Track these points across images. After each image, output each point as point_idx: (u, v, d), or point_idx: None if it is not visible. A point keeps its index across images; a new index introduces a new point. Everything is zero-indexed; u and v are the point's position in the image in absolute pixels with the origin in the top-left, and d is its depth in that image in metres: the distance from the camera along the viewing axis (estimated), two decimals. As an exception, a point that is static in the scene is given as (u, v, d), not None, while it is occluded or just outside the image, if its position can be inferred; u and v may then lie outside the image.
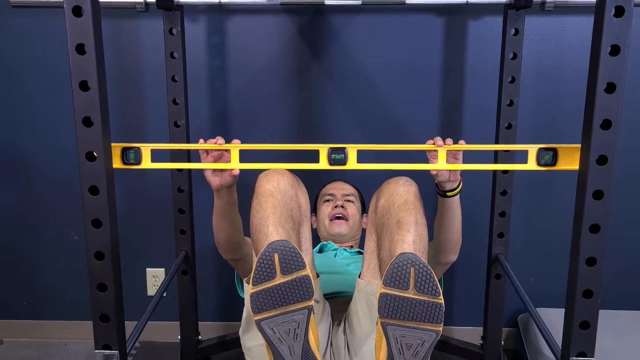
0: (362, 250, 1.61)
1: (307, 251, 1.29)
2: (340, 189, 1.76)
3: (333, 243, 1.71)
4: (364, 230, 1.75)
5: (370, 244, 1.31)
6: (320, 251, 1.69)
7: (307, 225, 1.31)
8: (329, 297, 1.44)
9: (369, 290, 1.26)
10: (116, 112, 1.93)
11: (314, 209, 1.77)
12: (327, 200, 1.75)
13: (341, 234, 1.70)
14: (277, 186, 1.21)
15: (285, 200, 1.21)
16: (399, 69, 1.92)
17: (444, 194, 1.38)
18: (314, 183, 1.75)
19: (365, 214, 1.77)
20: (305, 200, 1.31)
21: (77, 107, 0.97)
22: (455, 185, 1.37)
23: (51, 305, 2.15)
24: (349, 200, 1.74)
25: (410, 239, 1.12)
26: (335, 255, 1.64)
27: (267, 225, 1.14)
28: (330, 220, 1.71)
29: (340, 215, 1.70)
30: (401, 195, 1.21)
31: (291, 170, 1.28)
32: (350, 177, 1.82)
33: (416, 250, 1.12)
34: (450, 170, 1.32)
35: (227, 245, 1.46)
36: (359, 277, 1.32)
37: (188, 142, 1.71)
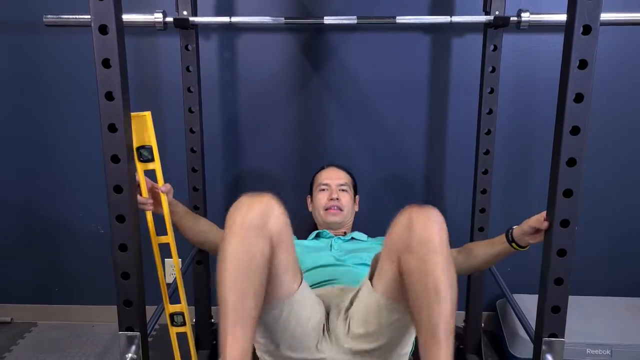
0: (355, 237, 1.66)
1: (292, 279, 1.13)
2: (336, 179, 1.73)
3: (328, 231, 1.68)
4: (356, 214, 1.79)
5: (385, 262, 1.10)
6: (317, 237, 1.68)
7: (291, 269, 1.11)
8: (325, 284, 1.42)
9: (382, 302, 1.12)
10: (138, 120, 1.93)
11: (310, 192, 1.79)
12: (323, 190, 1.72)
13: (336, 222, 1.69)
14: (253, 241, 0.98)
15: (257, 264, 0.99)
16: (390, 81, 1.91)
17: (515, 245, 1.31)
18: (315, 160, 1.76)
19: (357, 196, 1.80)
20: (288, 244, 1.08)
21: (103, 114, 0.97)
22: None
23: (80, 292, 2.15)
24: (343, 190, 1.71)
25: (448, 311, 0.97)
26: (330, 247, 1.60)
27: (227, 317, 0.96)
28: (326, 210, 1.69)
29: (335, 206, 1.69)
30: (435, 249, 0.99)
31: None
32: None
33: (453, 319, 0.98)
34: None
35: (196, 244, 1.59)
36: (370, 280, 1.17)
37: (202, 146, 1.71)
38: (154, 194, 1.24)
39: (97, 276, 2.11)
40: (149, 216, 1.20)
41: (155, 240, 1.20)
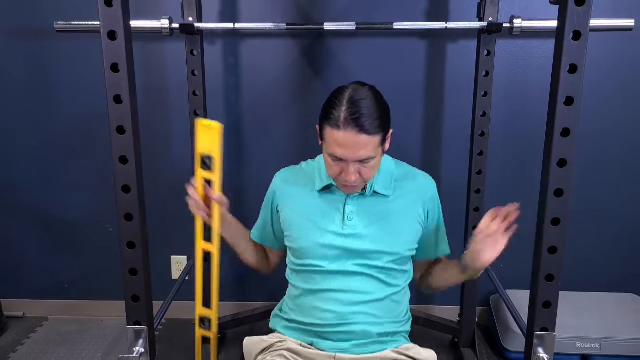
0: (378, 190, 1.17)
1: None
2: (354, 153, 1.05)
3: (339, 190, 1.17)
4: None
5: None
6: (325, 189, 1.19)
7: None
8: (323, 324, 1.15)
9: None
10: (145, 122, 1.93)
11: (320, 133, 1.11)
12: (336, 160, 1.08)
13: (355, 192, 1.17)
14: None
15: None
16: (388, 84, 1.89)
17: (467, 272, 1.16)
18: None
19: (389, 134, 1.14)
20: None
21: (112, 117, 0.97)
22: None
23: (89, 288, 2.14)
24: (364, 162, 1.08)
25: None
26: (343, 214, 1.16)
27: None
28: (339, 183, 1.14)
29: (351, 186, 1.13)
30: None
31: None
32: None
33: None
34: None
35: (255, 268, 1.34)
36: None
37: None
38: (207, 201, 1.10)
39: (106, 273, 2.11)
40: (199, 221, 1.10)
41: (200, 245, 1.11)
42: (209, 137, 1.01)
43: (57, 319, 2.13)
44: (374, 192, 1.18)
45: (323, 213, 1.18)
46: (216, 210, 1.09)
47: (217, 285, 1.10)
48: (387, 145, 1.15)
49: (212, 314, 1.12)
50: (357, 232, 1.15)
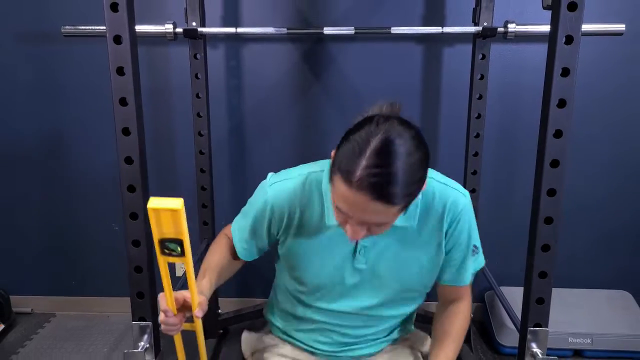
0: (398, 224, 0.91)
1: None
2: (363, 216, 0.79)
3: None
4: None
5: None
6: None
7: None
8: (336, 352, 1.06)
9: None
10: (149, 124, 1.93)
11: (330, 174, 0.83)
12: (341, 212, 0.82)
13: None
14: None
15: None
16: (386, 87, 1.91)
17: None
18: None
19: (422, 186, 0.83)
20: None
21: (118, 119, 0.97)
22: None
23: (96, 284, 2.14)
24: (377, 226, 0.83)
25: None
26: (355, 249, 0.95)
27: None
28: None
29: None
30: None
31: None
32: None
33: None
34: None
35: None
36: None
37: (210, 148, 1.70)
38: (185, 307, 0.85)
39: (112, 270, 2.10)
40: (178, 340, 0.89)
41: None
42: (171, 220, 0.70)
43: (64, 315, 2.13)
44: (394, 226, 0.89)
45: (334, 246, 0.96)
46: (198, 325, 0.86)
47: (204, 355, 0.93)
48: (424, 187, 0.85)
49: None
50: (367, 269, 0.96)
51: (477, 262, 1.02)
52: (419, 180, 0.79)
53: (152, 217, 0.70)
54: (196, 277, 0.95)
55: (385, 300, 1.00)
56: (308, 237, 0.96)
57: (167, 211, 0.69)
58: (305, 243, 0.97)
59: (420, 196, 0.91)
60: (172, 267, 2.08)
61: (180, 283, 1.45)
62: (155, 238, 0.73)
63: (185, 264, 0.76)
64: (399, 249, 0.95)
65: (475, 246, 0.99)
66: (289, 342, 1.13)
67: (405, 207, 0.79)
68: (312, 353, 1.10)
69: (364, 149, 0.74)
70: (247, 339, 1.20)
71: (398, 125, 0.78)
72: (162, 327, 0.84)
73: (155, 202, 0.69)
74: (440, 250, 0.97)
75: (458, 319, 1.03)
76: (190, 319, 0.86)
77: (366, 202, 0.75)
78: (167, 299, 0.81)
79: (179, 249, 0.73)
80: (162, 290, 0.81)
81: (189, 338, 0.99)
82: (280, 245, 1.02)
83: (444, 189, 0.95)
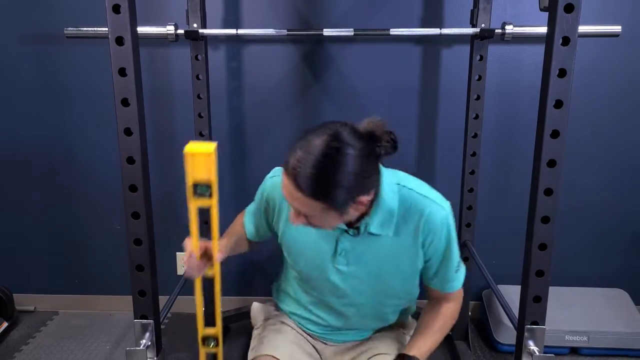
0: (373, 231, 0.97)
1: None
2: (292, 202, 0.88)
3: None
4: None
5: None
6: None
7: None
8: (328, 332, 1.15)
9: None
10: (151, 124, 1.93)
11: None
12: None
13: None
14: None
15: None
16: (384, 88, 1.91)
17: None
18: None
19: (356, 201, 0.88)
20: None
21: (119, 119, 0.97)
22: None
23: (98, 283, 2.14)
24: (305, 216, 0.90)
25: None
26: (335, 249, 1.01)
27: None
28: None
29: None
30: None
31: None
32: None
33: None
34: None
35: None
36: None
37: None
38: (206, 255, 0.94)
39: (114, 269, 2.10)
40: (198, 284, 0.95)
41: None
42: (204, 163, 0.81)
43: (67, 313, 2.13)
44: (369, 232, 0.96)
45: (318, 242, 1.02)
46: (217, 267, 0.95)
47: (219, 306, 0.98)
48: (351, 212, 0.89)
49: (217, 332, 1.00)
50: (348, 271, 1.01)
51: (459, 273, 1.07)
52: (340, 186, 0.82)
53: (188, 161, 0.80)
54: None
55: (368, 302, 1.06)
56: (297, 230, 1.04)
57: (201, 155, 0.80)
58: (295, 236, 1.06)
59: (396, 206, 0.96)
60: (175, 263, 2.08)
61: (180, 283, 1.45)
62: (189, 182, 0.82)
63: (212, 206, 0.85)
64: (378, 255, 1.00)
65: (458, 262, 1.04)
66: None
67: (335, 207, 0.84)
68: (307, 334, 1.17)
69: (302, 143, 0.83)
70: (257, 308, 1.25)
71: (347, 134, 0.83)
72: (185, 268, 0.91)
73: (191, 146, 0.80)
74: (419, 259, 1.01)
75: (443, 316, 1.07)
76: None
77: (288, 186, 0.84)
78: (192, 243, 0.89)
79: (208, 192, 0.83)
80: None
81: (191, 326, 0.99)
82: (278, 233, 1.12)
83: (421, 200, 0.98)
